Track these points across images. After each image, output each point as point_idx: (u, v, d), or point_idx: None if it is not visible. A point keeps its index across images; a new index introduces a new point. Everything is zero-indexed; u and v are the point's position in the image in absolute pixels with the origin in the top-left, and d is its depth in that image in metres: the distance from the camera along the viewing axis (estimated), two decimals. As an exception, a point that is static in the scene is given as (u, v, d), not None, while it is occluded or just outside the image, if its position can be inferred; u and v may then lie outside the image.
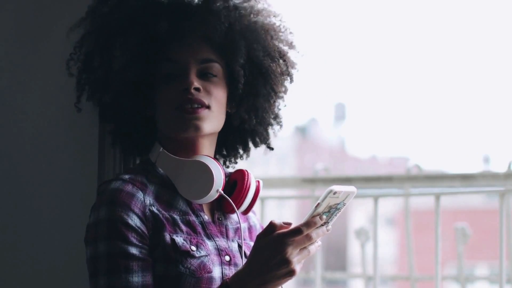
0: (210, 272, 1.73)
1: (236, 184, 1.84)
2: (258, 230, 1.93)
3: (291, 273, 1.64)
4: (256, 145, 1.96)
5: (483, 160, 34.41)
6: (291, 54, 1.90)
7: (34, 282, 2.08)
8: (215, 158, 1.85)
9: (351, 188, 1.64)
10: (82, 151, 2.05)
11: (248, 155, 1.98)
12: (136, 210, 1.72)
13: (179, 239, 1.73)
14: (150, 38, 1.81)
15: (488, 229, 17.13)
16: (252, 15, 1.85)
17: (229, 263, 1.78)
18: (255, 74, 1.85)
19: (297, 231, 1.63)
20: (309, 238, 1.64)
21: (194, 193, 1.78)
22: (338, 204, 1.64)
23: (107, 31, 1.83)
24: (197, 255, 1.73)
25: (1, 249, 2.11)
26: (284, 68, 1.89)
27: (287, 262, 1.63)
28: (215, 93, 1.81)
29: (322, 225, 1.65)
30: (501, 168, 2.94)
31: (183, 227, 1.75)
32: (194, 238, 1.75)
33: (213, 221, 1.82)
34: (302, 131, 37.63)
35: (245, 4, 1.86)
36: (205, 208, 1.82)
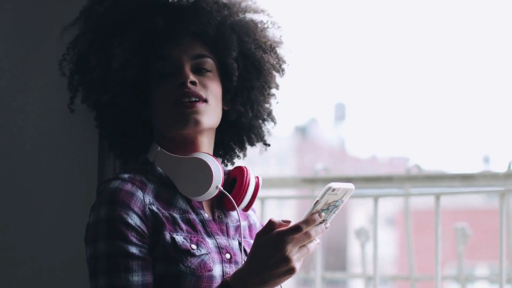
0: (210, 270, 1.73)
1: (236, 181, 1.84)
2: (258, 228, 1.93)
3: (291, 271, 1.64)
4: (252, 143, 1.97)
5: (483, 160, 34.45)
6: (281, 48, 1.94)
7: (34, 282, 2.08)
8: (213, 155, 1.86)
9: (349, 185, 1.64)
10: (82, 151, 2.05)
11: (245, 155, 1.99)
12: (136, 209, 1.72)
13: (179, 238, 1.73)
14: (146, 36, 1.82)
15: (488, 229, 17.15)
16: (240, 11, 1.90)
17: (230, 261, 1.78)
18: (248, 67, 1.88)
19: (296, 228, 1.63)
20: (308, 235, 1.64)
21: (194, 190, 1.78)
22: (336, 201, 1.65)
23: (104, 31, 1.84)
24: (197, 254, 1.73)
25: (1, 249, 2.11)
26: (276, 61, 1.91)
27: (286, 260, 1.63)
28: (211, 87, 1.82)
29: (320, 222, 1.65)
30: (501, 168, 2.94)
31: (183, 226, 1.76)
32: (194, 237, 1.75)
33: (214, 219, 1.82)
34: (302, 131, 37.66)
35: (234, 1, 1.90)
36: (205, 206, 1.83)
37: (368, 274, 3.42)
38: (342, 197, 1.65)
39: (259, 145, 1.98)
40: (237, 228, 1.85)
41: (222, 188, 1.80)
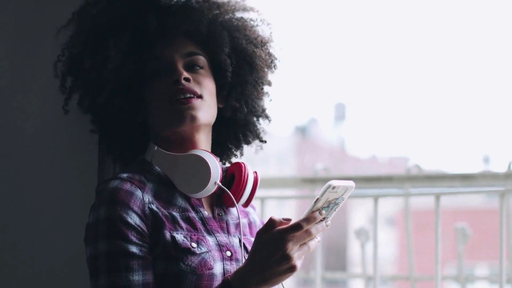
0: (211, 268, 1.73)
1: (234, 177, 1.84)
2: (258, 225, 1.93)
3: (292, 269, 1.64)
4: (247, 142, 1.98)
5: (483, 160, 34.44)
6: (271, 45, 1.95)
7: (34, 282, 2.08)
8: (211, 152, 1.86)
9: (349, 183, 1.65)
10: (82, 151, 2.05)
11: (241, 154, 2.00)
12: (136, 209, 1.72)
13: (179, 237, 1.73)
14: (139, 37, 1.84)
15: (488, 229, 17.14)
16: (230, 10, 1.92)
17: (231, 258, 1.78)
18: (241, 62, 1.89)
19: (297, 226, 1.63)
20: (309, 233, 1.64)
21: (192, 187, 1.78)
22: (337, 199, 1.65)
23: (98, 32, 1.85)
24: (197, 252, 1.73)
25: (1, 249, 2.11)
26: (267, 57, 1.92)
27: (287, 258, 1.63)
28: (205, 83, 1.83)
29: (321, 220, 1.65)
30: (501, 168, 2.95)
31: (183, 224, 1.76)
32: (194, 235, 1.75)
33: (213, 217, 1.82)
34: (302, 131, 37.66)
35: (224, 0, 1.92)
36: (205, 204, 1.83)
37: (368, 274, 3.42)
38: (342, 195, 1.65)
39: (255, 144, 1.99)
40: (237, 225, 1.85)
41: (220, 184, 1.80)
